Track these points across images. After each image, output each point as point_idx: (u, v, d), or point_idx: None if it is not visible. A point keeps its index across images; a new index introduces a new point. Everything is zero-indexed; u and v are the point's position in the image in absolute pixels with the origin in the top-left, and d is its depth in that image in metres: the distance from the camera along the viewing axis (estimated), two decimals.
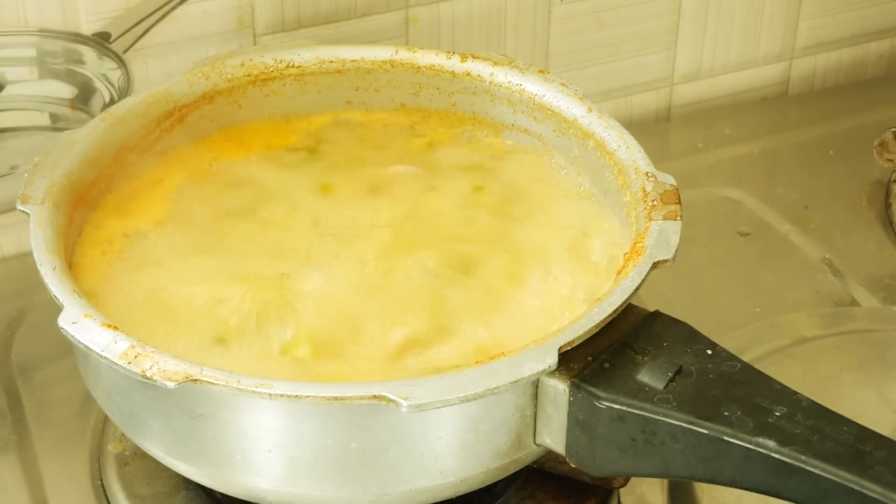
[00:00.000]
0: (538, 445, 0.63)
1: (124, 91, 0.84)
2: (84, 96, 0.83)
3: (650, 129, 1.00)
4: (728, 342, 0.74)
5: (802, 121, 1.02)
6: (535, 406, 0.62)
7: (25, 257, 0.66)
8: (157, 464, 0.68)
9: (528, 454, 0.64)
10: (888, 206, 0.92)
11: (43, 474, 0.72)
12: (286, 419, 0.60)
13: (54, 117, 0.83)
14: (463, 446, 0.61)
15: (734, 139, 0.99)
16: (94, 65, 0.83)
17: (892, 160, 0.93)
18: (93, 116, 0.79)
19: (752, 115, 1.02)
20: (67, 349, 0.67)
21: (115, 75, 0.83)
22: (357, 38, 0.88)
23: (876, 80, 1.06)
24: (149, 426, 0.63)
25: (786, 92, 1.04)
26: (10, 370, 0.79)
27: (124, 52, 0.83)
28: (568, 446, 0.62)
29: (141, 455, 0.71)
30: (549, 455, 0.65)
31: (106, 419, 0.73)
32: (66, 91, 0.83)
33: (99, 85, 0.84)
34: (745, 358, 0.75)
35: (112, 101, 0.84)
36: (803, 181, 0.95)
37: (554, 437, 0.62)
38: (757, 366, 0.63)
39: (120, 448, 0.72)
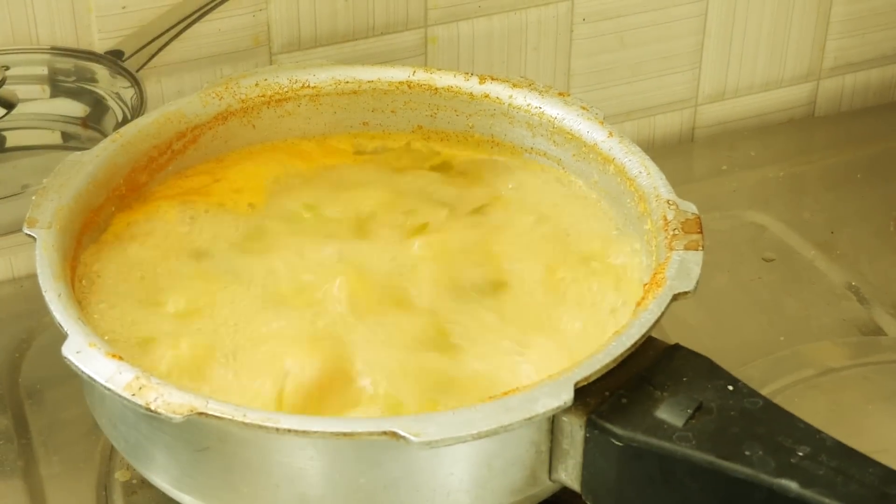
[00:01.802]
0: (553, 481, 0.62)
1: (137, 110, 0.83)
2: (96, 115, 0.82)
3: (673, 150, 0.99)
4: (751, 372, 0.73)
5: (829, 143, 1.01)
6: (551, 441, 0.60)
7: (37, 278, 0.65)
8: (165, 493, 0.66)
9: (542, 490, 0.62)
10: None
11: (48, 501, 0.71)
12: (293, 454, 0.58)
13: (66, 136, 0.82)
14: (475, 483, 0.60)
15: (759, 161, 0.98)
16: (106, 83, 0.82)
17: None
18: (105, 135, 0.78)
19: (778, 136, 1.01)
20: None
21: (128, 94, 0.82)
22: (375, 58, 0.87)
23: None
24: (154, 458, 0.62)
25: (812, 113, 1.03)
26: (19, 393, 0.78)
27: (137, 70, 0.82)
28: (584, 483, 0.61)
29: (149, 484, 0.70)
30: (565, 491, 0.64)
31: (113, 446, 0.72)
32: (79, 109, 0.82)
33: (111, 103, 0.82)
34: (769, 389, 0.74)
35: (125, 120, 0.83)
36: (830, 205, 0.94)
37: (569, 473, 0.61)
38: (780, 397, 0.61)
39: (127, 476, 0.71)
